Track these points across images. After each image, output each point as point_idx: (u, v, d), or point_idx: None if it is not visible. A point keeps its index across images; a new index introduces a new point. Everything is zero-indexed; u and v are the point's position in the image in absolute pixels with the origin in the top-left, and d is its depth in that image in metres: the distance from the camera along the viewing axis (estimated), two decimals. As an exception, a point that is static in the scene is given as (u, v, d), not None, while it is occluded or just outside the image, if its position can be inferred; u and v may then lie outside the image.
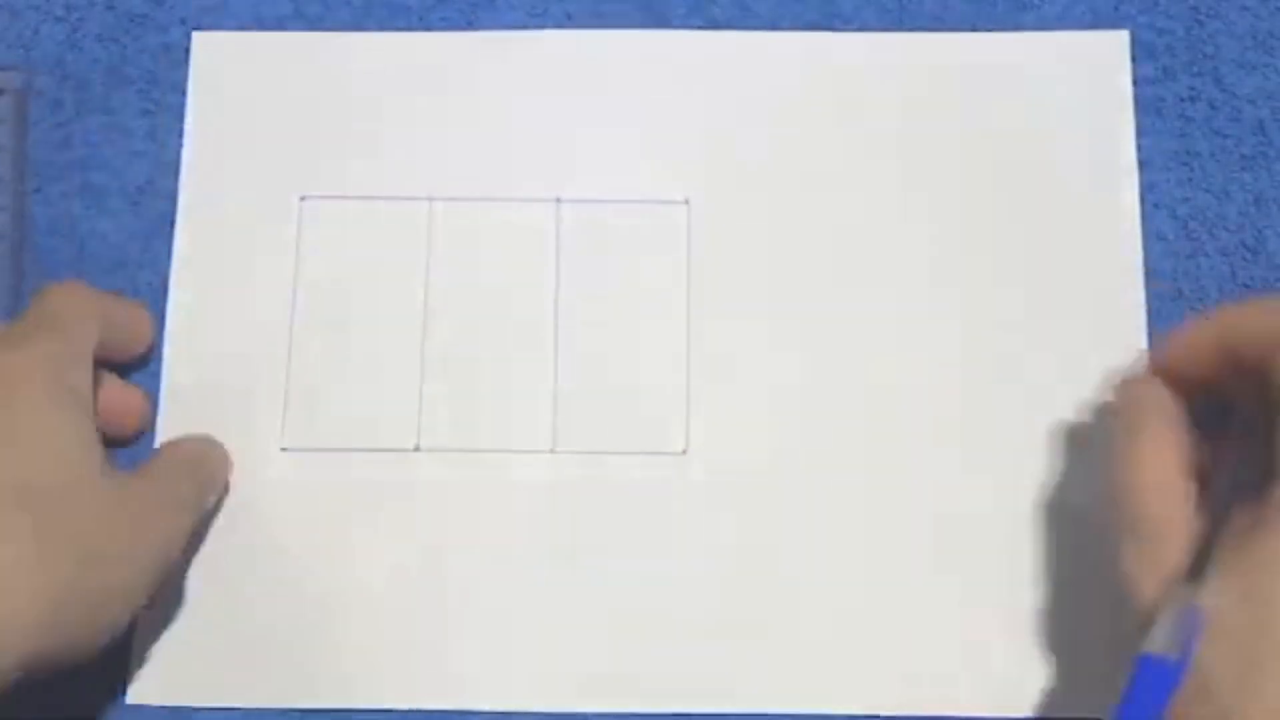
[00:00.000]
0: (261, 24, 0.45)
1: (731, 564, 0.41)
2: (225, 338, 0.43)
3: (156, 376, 0.43)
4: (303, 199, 0.44)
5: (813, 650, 0.40)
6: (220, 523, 0.41)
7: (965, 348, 0.42)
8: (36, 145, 0.45)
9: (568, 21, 0.45)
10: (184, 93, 0.45)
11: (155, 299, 0.43)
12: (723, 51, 0.45)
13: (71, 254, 0.44)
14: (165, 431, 0.42)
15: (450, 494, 0.42)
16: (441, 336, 0.43)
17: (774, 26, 0.45)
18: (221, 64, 0.45)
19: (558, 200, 0.44)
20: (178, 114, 0.45)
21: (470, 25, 0.45)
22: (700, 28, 0.45)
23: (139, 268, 0.44)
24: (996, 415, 0.42)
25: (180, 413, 0.42)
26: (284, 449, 0.42)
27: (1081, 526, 0.40)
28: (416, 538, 0.41)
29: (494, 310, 0.43)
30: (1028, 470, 0.41)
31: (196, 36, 0.45)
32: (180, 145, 0.45)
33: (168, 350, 0.43)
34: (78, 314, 0.37)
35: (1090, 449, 0.41)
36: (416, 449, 0.42)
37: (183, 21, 0.46)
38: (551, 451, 0.42)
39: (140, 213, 0.44)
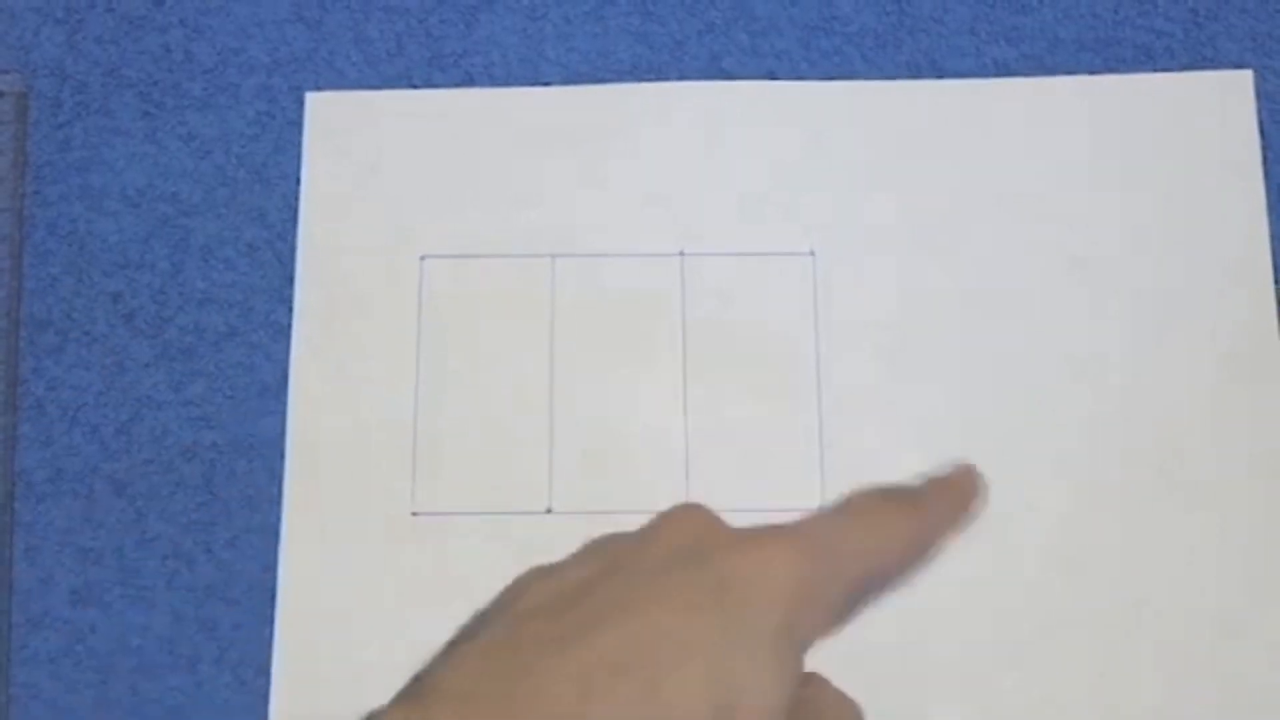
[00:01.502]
0: (261, 26, 0.46)
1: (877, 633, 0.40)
2: (350, 403, 0.42)
3: (280, 444, 0.42)
4: (423, 259, 0.43)
5: None
6: (351, 590, 0.41)
7: (1100, 401, 0.42)
8: (36, 147, 0.45)
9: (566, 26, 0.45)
10: (183, 93, 0.45)
11: (156, 301, 0.44)
12: (845, 101, 0.44)
13: (71, 255, 0.44)
14: (292, 499, 0.42)
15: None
16: (569, 395, 0.42)
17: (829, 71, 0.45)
18: (336, 123, 0.45)
19: (681, 254, 0.43)
20: (177, 115, 0.45)
21: (459, 26, 0.45)
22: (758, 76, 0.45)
23: (138, 269, 0.44)
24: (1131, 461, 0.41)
25: (305, 482, 0.42)
26: (414, 514, 0.41)
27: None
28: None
29: (620, 366, 0.42)
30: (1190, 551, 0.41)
31: (310, 97, 0.45)
32: (184, 149, 0.45)
33: (291, 419, 0.42)
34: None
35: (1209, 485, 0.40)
36: (549, 511, 0.41)
37: (182, 23, 0.45)
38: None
39: (140, 215, 0.44)
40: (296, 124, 0.45)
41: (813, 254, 0.43)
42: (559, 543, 0.41)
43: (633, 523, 0.41)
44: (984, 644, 0.40)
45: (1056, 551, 0.40)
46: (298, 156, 0.45)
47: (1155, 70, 0.44)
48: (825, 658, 0.23)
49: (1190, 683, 0.39)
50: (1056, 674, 0.39)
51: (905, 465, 0.42)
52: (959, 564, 0.40)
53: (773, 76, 0.45)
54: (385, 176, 0.44)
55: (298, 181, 0.44)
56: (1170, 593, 0.40)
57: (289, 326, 0.43)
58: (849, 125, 0.44)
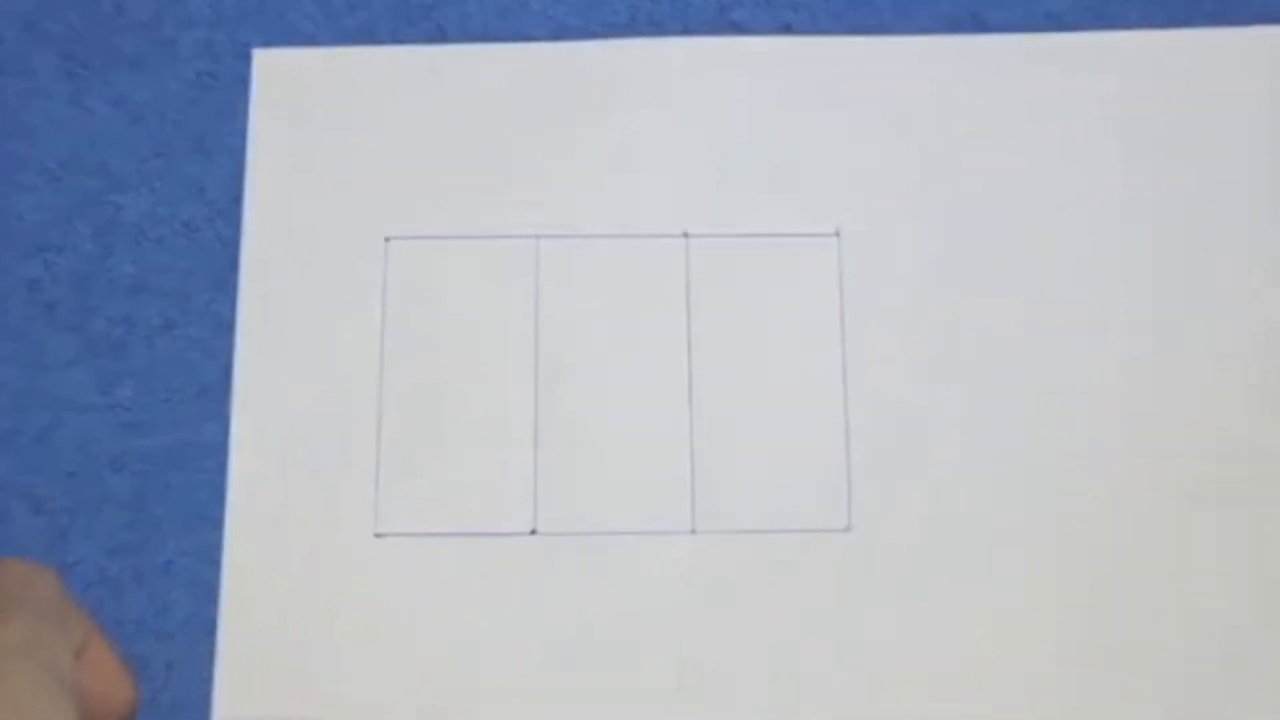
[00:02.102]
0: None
1: (908, 664, 0.35)
2: (303, 407, 0.37)
3: (223, 453, 0.37)
4: (388, 240, 0.38)
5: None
6: (305, 625, 0.35)
7: (1141, 397, 0.36)
8: (-58, 110, 0.39)
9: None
10: (112, 51, 0.39)
11: (80, 289, 0.38)
12: (873, 59, 0.39)
13: (-18, 233, 0.38)
14: (236, 518, 0.36)
15: (574, 583, 0.35)
16: (557, 398, 0.37)
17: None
18: (288, 85, 0.39)
19: (685, 236, 0.38)
20: (105, 76, 0.39)
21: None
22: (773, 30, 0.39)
23: (60, 252, 0.38)
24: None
25: (251, 497, 0.36)
26: (378, 535, 0.36)
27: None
28: (535, 634, 0.35)
29: (616, 365, 0.37)
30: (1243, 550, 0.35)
31: (258, 55, 0.39)
32: (113, 114, 0.39)
33: (236, 424, 0.36)
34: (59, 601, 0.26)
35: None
36: (533, 532, 0.36)
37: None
38: (692, 532, 0.36)
39: (62, 190, 0.38)
40: (243, 85, 0.39)
41: (837, 235, 0.38)
42: (546, 569, 0.35)
43: (631, 546, 0.35)
44: (1016, 666, 0.34)
45: (1095, 564, 0.35)
46: (244, 123, 0.39)
47: (1218, 24, 0.39)
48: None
49: (1237, 697, 0.34)
50: (1098, 694, 0.34)
51: (946, 481, 0.37)
52: (990, 571, 0.35)
53: (789, 30, 0.39)
54: (344, 146, 0.38)
55: (243, 152, 0.39)
56: (1209, 604, 0.35)
57: (232, 319, 0.38)
58: (878, 86, 0.38)
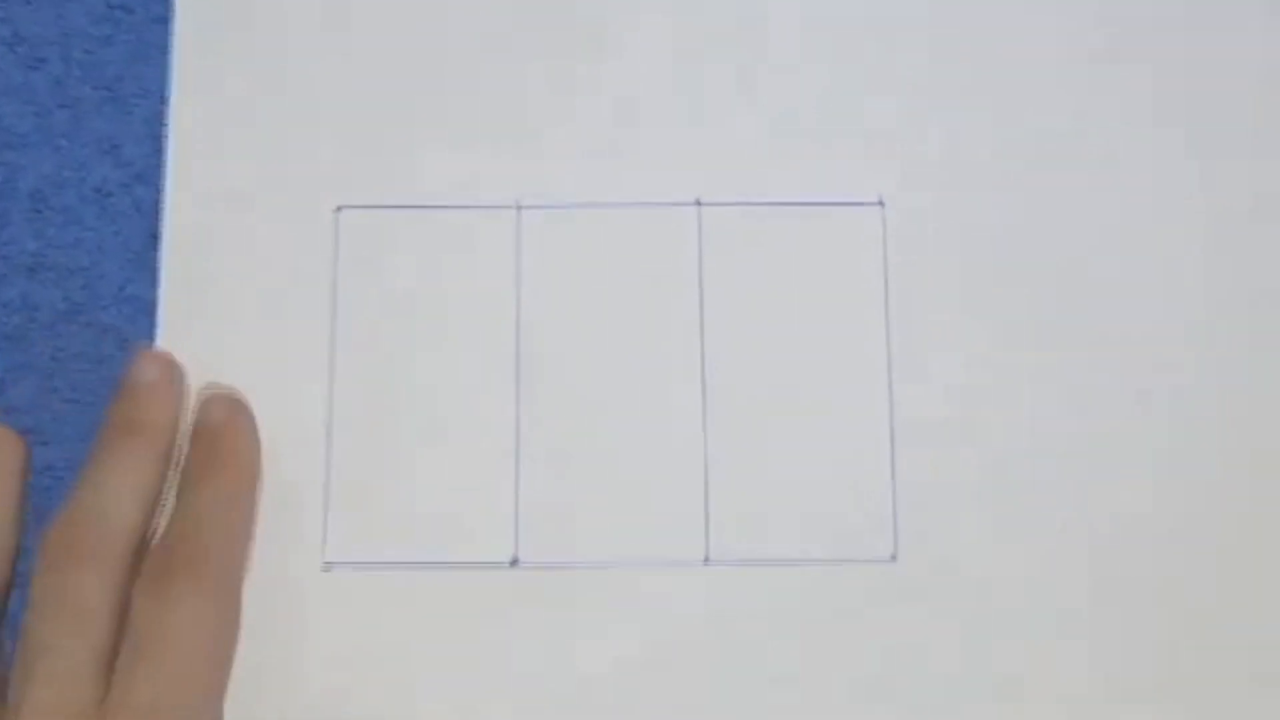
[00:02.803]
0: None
1: (965, 704, 0.29)
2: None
3: None
4: (339, 210, 0.31)
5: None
6: (251, 661, 0.29)
7: (1250, 391, 0.31)
8: None
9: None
10: None
11: None
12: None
13: None
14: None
15: (562, 625, 0.29)
16: (542, 401, 0.30)
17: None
18: (217, 18, 0.32)
19: (698, 204, 0.31)
20: None
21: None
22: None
23: None
24: None
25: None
26: (328, 565, 0.30)
27: None
28: (515, 682, 0.29)
29: (614, 362, 0.31)
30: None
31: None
32: (7, 57, 0.32)
33: None
34: None
35: None
36: (514, 563, 0.30)
37: None
38: (705, 563, 0.30)
39: None
40: (162, 21, 0.32)
41: (881, 204, 0.31)
42: (529, 606, 0.29)
43: (631, 581, 0.29)
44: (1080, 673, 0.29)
45: (1169, 599, 0.29)
46: (164, 66, 0.32)
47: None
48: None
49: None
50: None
51: (1005, 501, 0.31)
52: (1056, 603, 0.29)
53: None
54: (287, 95, 0.32)
55: (165, 101, 0.32)
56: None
57: (153, 303, 0.31)
58: (933, 24, 0.32)
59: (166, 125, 0.32)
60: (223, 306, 0.31)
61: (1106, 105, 0.32)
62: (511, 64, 0.32)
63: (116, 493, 0.27)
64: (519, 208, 0.31)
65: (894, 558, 0.30)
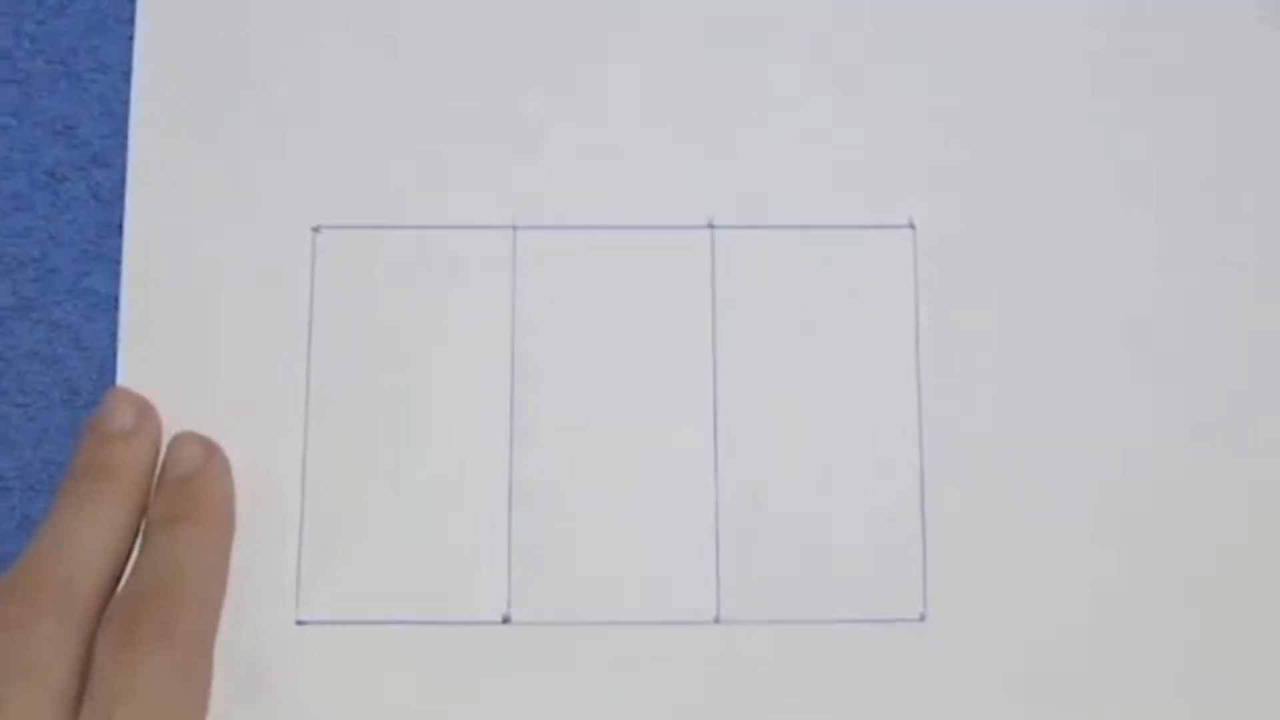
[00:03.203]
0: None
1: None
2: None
3: None
4: (317, 230, 0.29)
5: None
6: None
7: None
8: None
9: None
10: None
11: None
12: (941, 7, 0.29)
13: None
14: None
15: (558, 687, 0.27)
16: (537, 443, 0.28)
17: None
18: (182, 25, 0.29)
19: (710, 227, 0.29)
20: None
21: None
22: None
23: None
24: None
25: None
26: (300, 623, 0.27)
27: None
28: (507, 751, 0.27)
29: (618, 400, 0.28)
30: None
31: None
32: None
33: None
34: None
35: None
36: (506, 621, 0.27)
37: None
38: (716, 622, 0.27)
39: None
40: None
41: (912, 226, 0.29)
42: (522, 667, 0.27)
43: (634, 640, 0.27)
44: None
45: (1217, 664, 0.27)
46: (125, 38, 0.29)
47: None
48: None
49: None
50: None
51: (1045, 556, 0.28)
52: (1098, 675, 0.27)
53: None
54: (262, 94, 0.29)
55: (125, 77, 0.29)
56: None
57: (113, 299, 0.29)
58: (968, 25, 0.29)
59: (127, 103, 0.29)
60: (191, 310, 0.28)
61: (1142, 127, 0.29)
62: (508, 73, 0.29)
63: (84, 541, 0.25)
64: (515, 229, 0.28)
65: (923, 618, 0.27)
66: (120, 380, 0.28)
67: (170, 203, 0.28)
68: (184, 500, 0.26)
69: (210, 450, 0.27)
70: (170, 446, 0.27)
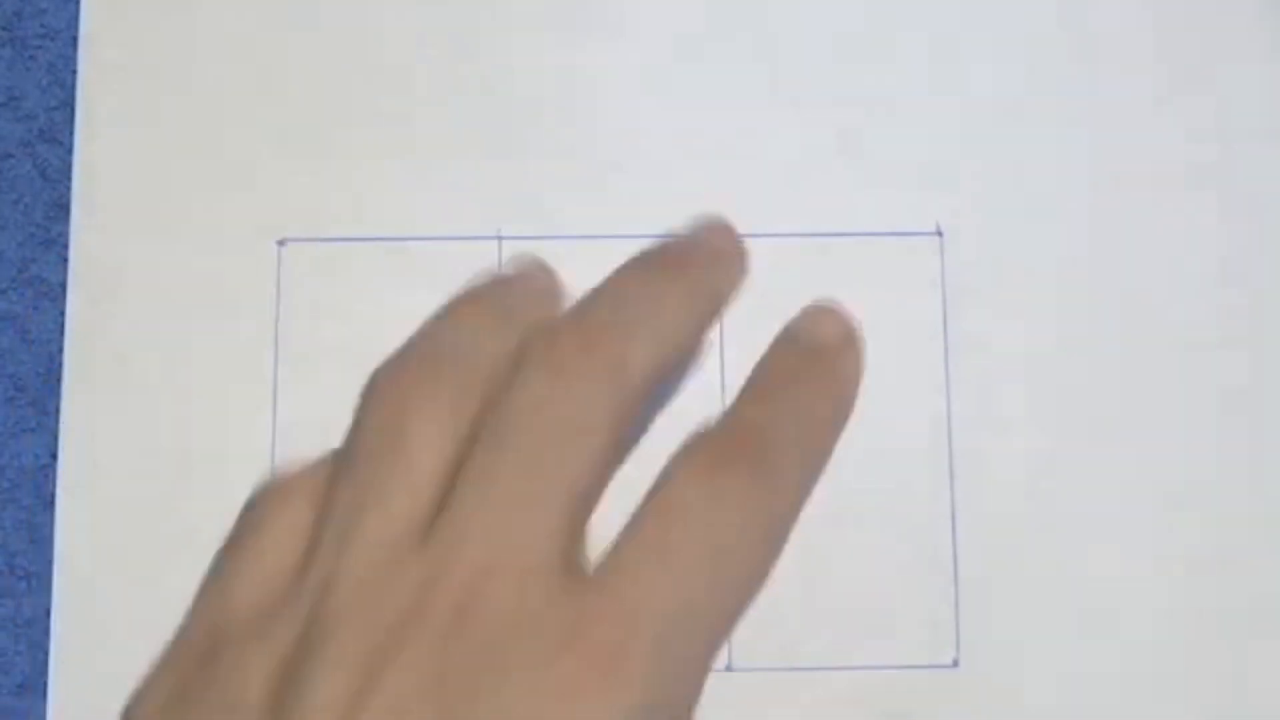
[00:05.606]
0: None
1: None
2: (155, 469, 0.25)
3: (47, 480, 0.25)
4: (283, 244, 0.26)
5: None
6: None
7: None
8: None
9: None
10: None
11: None
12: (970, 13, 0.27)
13: None
14: (63, 622, 0.25)
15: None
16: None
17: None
18: (127, 23, 0.27)
19: (722, 233, 0.26)
20: None
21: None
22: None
23: None
24: None
25: (87, 591, 0.25)
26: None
27: None
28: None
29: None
30: None
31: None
32: None
33: (66, 445, 0.25)
34: None
35: None
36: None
37: None
38: (728, 670, 0.25)
39: None
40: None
41: (940, 234, 0.26)
42: None
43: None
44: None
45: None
46: (75, 10, 0.27)
47: None
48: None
49: None
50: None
51: (1079, 598, 0.25)
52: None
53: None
54: (222, 112, 0.26)
55: (74, 43, 0.27)
56: None
57: (61, 285, 0.26)
58: (999, 22, 0.27)
59: (76, 73, 0.26)
60: (143, 301, 0.25)
61: (1171, 133, 0.26)
62: (492, 72, 0.26)
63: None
64: (500, 239, 0.26)
65: (956, 664, 0.25)
66: (66, 381, 0.25)
67: (123, 180, 0.26)
68: (813, 366, 0.19)
69: (851, 336, 0.19)
70: (806, 310, 0.20)
